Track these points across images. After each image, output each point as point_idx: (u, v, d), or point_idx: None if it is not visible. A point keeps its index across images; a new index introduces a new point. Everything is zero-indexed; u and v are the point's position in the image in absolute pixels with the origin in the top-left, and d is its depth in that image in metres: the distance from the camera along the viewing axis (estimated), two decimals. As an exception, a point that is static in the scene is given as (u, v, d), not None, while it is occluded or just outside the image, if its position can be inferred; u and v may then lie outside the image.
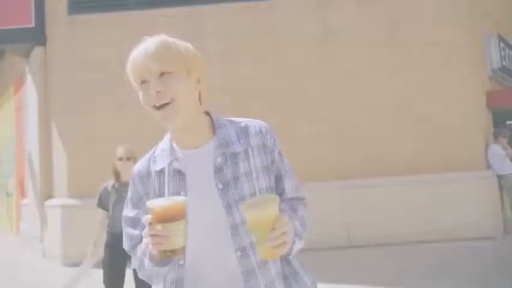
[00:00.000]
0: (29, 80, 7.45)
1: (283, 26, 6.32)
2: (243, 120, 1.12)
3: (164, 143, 1.14)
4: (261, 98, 6.09)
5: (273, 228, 0.88)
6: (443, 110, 6.11)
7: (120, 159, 3.37)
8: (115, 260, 3.14)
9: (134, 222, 1.14)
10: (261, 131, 1.10)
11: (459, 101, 6.13)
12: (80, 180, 6.18)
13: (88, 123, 6.27)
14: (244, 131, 1.09)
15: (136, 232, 1.13)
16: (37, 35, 6.80)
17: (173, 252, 0.90)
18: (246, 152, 1.07)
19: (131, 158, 3.31)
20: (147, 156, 1.16)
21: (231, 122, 1.12)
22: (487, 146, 6.28)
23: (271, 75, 6.17)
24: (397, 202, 5.82)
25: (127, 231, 1.15)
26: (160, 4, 6.36)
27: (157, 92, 0.98)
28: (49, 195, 6.80)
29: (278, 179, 1.13)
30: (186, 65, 1.02)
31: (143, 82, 1.02)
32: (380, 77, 6.21)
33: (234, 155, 1.06)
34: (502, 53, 7.09)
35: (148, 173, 1.12)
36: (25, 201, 8.01)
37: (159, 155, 1.12)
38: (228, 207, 1.04)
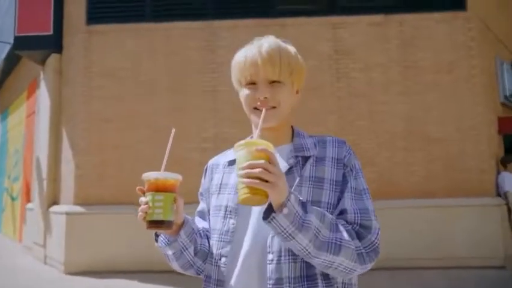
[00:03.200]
0: (42, 86, 7.54)
1: (296, 44, 6.28)
2: (324, 136, 1.14)
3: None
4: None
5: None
6: (455, 134, 6.07)
7: None
8: None
9: (201, 216, 1.19)
10: (338, 145, 1.08)
11: (471, 126, 6.09)
12: (87, 188, 6.17)
13: (98, 132, 6.29)
14: (321, 142, 1.10)
15: (201, 225, 1.15)
16: (54, 43, 6.91)
17: (157, 224, 0.94)
18: (319, 160, 1.05)
19: None
20: (223, 152, 1.22)
21: (311, 136, 1.14)
22: (497, 173, 6.20)
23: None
24: (404, 226, 5.72)
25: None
26: (177, 17, 6.45)
27: (265, 98, 1.03)
28: (54, 201, 6.78)
29: (341, 195, 1.01)
30: (294, 77, 1.08)
31: (251, 83, 1.06)
32: (392, 98, 6.21)
33: (305, 159, 1.06)
34: (515, 80, 7.07)
35: (218, 164, 1.18)
36: (30, 205, 8.00)
37: (231, 150, 1.14)
38: None
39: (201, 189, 1.19)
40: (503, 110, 6.98)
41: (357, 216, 0.98)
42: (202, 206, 1.18)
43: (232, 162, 1.10)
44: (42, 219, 6.91)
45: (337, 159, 1.04)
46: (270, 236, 0.98)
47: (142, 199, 0.97)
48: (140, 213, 0.96)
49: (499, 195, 6.07)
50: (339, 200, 1.01)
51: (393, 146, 6.10)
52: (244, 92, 1.07)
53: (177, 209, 0.99)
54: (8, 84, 11.38)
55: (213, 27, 6.38)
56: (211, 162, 1.20)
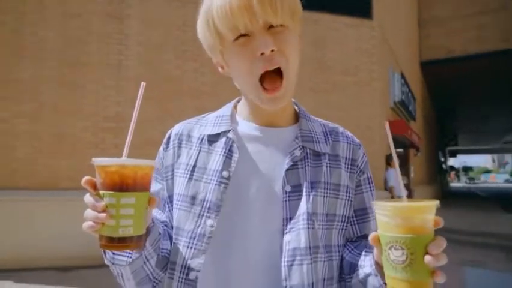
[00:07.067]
0: None
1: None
2: (331, 123, 0.88)
3: (223, 110, 0.86)
4: (183, 95, 5.70)
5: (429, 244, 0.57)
6: (355, 133, 6.51)
7: None
8: None
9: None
10: (354, 143, 0.85)
11: (368, 126, 6.63)
12: None
13: (-38, 98, 5.05)
14: (334, 134, 0.85)
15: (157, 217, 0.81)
16: None
17: (123, 242, 0.59)
18: (333, 159, 0.80)
19: None
20: (194, 118, 0.86)
21: (317, 119, 0.88)
22: (385, 170, 6.90)
23: (195, 73, 5.83)
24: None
25: None
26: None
27: (272, 51, 0.70)
28: None
29: (361, 215, 0.81)
30: (296, 21, 0.75)
31: (241, 36, 0.71)
32: (303, 93, 6.37)
33: (317, 155, 0.79)
34: (402, 88, 7.98)
35: (189, 136, 0.82)
36: None
37: (212, 121, 0.83)
38: (288, 222, 0.73)
39: (157, 164, 0.82)
40: (392, 114, 7.80)
41: None
42: (157, 187, 0.81)
43: (212, 137, 0.79)
44: None
45: (351, 160, 0.82)
46: (285, 262, 0.71)
47: (93, 200, 0.59)
48: (90, 224, 0.58)
49: (386, 189, 6.76)
50: (357, 214, 0.82)
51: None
52: (234, 52, 0.73)
53: (149, 214, 0.66)
54: None
55: (122, -7, 5.65)
56: (178, 129, 0.84)
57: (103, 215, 0.57)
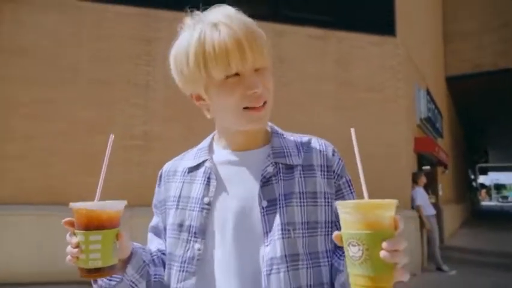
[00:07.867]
0: None
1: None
2: (306, 135, 0.94)
3: (203, 142, 0.96)
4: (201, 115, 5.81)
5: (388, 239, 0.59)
6: (379, 150, 6.43)
7: None
8: None
9: (155, 232, 0.95)
10: (327, 150, 0.89)
11: (393, 143, 6.53)
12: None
13: (0, 118, 5.34)
14: (306, 145, 0.90)
15: (154, 246, 0.93)
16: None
17: (94, 272, 0.72)
18: (307, 169, 0.85)
19: None
20: (180, 155, 0.97)
21: (292, 135, 0.94)
22: (412, 188, 6.73)
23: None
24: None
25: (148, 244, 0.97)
26: None
27: (262, 91, 0.80)
28: None
29: None
30: (270, 53, 0.84)
31: (233, 75, 0.78)
32: (326, 111, 6.37)
33: (290, 168, 0.85)
34: (428, 105, 7.84)
35: (175, 171, 0.93)
36: None
37: (194, 153, 0.94)
38: (268, 234, 0.79)
39: (154, 200, 0.95)
40: (418, 132, 7.65)
41: None
42: (156, 220, 0.94)
43: (193, 169, 0.88)
44: None
45: (326, 166, 0.87)
46: (265, 271, 0.77)
47: (70, 239, 0.73)
48: (68, 257, 0.73)
49: (412, 207, 6.58)
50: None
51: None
52: (224, 90, 0.79)
53: (121, 246, 0.76)
54: None
55: (150, 16, 5.90)
56: (167, 167, 0.96)
57: (75, 250, 0.71)
